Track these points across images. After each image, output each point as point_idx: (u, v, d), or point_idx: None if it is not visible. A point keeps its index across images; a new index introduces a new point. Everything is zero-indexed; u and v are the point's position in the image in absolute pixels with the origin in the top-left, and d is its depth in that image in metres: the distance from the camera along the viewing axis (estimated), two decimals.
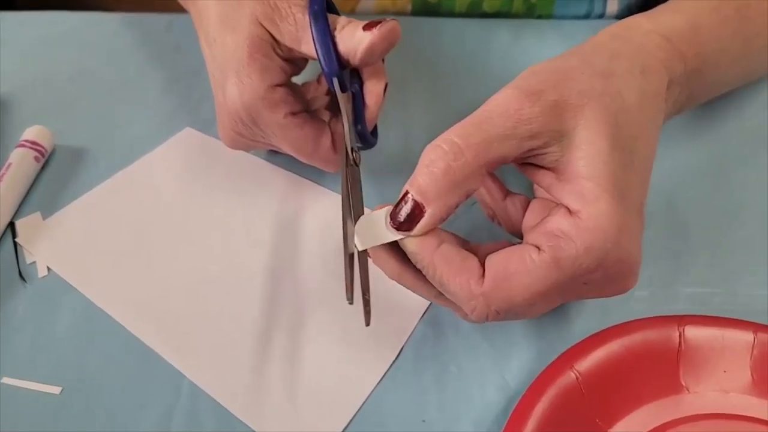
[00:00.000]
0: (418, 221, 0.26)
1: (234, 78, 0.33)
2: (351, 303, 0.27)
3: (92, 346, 0.33)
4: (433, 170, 0.25)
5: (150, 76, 0.49)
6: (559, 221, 0.26)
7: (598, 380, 0.29)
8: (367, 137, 0.37)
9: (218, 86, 0.35)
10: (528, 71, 0.28)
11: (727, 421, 0.29)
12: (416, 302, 0.33)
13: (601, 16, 0.56)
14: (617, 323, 0.31)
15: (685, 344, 0.30)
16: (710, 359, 0.30)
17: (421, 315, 0.33)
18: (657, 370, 0.30)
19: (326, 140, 0.36)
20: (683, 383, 0.30)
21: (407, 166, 0.27)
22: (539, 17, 0.56)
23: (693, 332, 0.31)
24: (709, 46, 0.34)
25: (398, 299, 0.34)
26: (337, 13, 0.36)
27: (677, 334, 0.31)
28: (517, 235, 0.32)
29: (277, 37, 0.34)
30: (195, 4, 0.38)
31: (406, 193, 0.26)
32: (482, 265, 0.26)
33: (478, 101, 0.27)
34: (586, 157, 0.26)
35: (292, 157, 0.37)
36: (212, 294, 0.35)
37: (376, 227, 0.27)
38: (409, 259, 0.27)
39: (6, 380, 0.31)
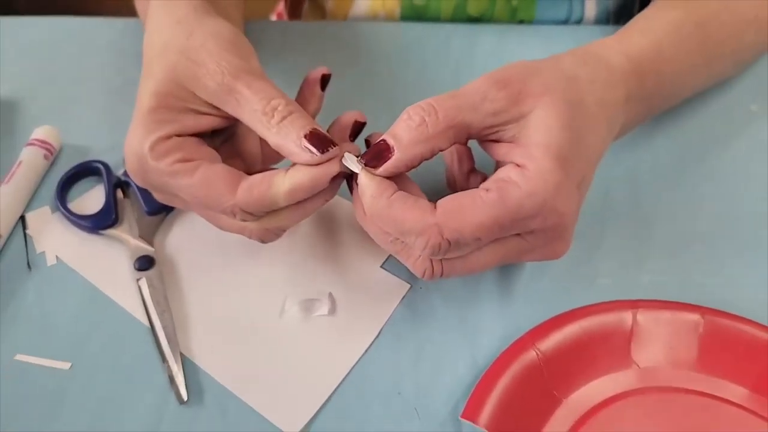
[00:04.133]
0: (386, 161, 0.30)
1: (129, 130, 0.33)
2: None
3: (98, 325, 0.36)
4: (409, 123, 0.30)
5: None
6: (507, 171, 0.30)
7: (556, 357, 0.32)
8: None
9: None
10: (506, 65, 0.33)
11: (673, 394, 0.32)
12: (396, 287, 0.37)
13: (580, 20, 0.59)
14: (578, 307, 0.34)
15: (638, 325, 0.33)
16: (660, 339, 0.33)
17: (401, 299, 0.36)
18: (611, 348, 0.33)
19: (223, 189, 0.31)
20: (634, 359, 0.33)
21: None
22: (521, 21, 0.59)
23: (645, 315, 0.34)
24: (671, 63, 0.39)
25: (381, 284, 0.37)
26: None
27: (630, 316, 0.34)
28: None
29: (198, 93, 0.33)
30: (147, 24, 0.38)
31: (383, 139, 0.30)
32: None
33: None
34: (539, 128, 0.30)
35: None
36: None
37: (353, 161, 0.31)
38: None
39: (19, 357, 0.34)
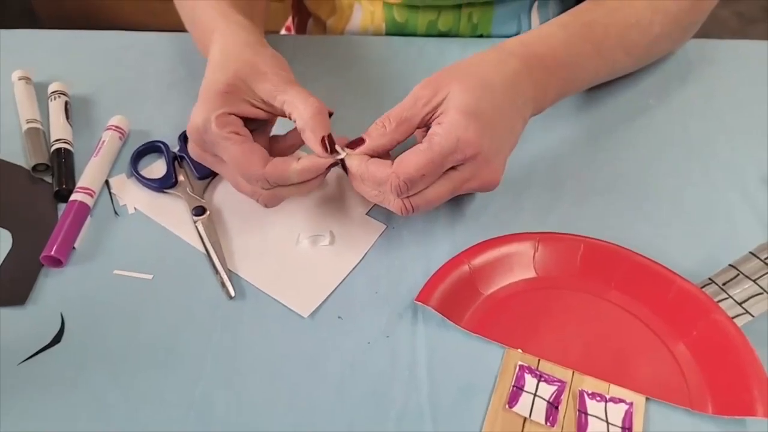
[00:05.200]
0: (359, 146, 0.47)
1: (199, 102, 0.48)
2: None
3: (169, 252, 0.51)
4: (376, 126, 0.47)
5: (194, 79, 0.67)
6: (433, 128, 0.45)
7: (483, 268, 0.48)
8: None
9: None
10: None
11: (559, 291, 0.47)
12: (376, 226, 0.53)
13: None
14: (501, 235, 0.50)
15: (539, 249, 0.49)
16: (554, 256, 0.49)
17: (379, 234, 0.52)
18: (519, 262, 0.48)
19: (258, 161, 0.46)
20: (535, 269, 0.48)
21: None
22: (481, 35, 0.74)
23: (545, 242, 0.49)
24: (560, 50, 0.53)
25: (365, 225, 0.52)
26: None
27: (535, 242, 0.49)
28: None
29: (257, 92, 0.48)
30: (212, 38, 0.52)
31: (361, 136, 0.47)
32: None
33: None
34: (452, 100, 0.45)
35: None
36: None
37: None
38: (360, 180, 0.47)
39: (117, 271, 0.50)
